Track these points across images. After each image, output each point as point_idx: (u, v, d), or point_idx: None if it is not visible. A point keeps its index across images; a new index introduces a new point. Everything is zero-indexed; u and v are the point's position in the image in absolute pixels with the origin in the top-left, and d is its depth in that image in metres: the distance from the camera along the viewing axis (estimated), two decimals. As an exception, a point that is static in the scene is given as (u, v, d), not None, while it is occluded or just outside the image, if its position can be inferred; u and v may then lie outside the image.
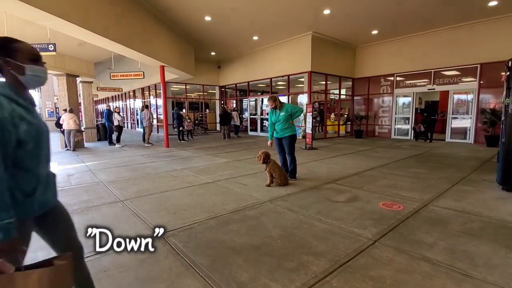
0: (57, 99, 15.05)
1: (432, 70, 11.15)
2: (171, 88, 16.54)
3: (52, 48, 6.26)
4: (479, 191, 4.26)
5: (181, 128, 12.33)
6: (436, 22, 10.01)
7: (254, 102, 17.17)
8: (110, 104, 22.95)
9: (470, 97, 10.45)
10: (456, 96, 10.87)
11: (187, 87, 16.24)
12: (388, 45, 12.22)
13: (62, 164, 7.04)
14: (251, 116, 16.38)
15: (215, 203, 3.82)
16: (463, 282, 2.00)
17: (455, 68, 10.61)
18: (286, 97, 13.79)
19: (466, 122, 10.63)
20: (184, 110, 15.99)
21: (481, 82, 10.03)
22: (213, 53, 14.89)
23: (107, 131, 11.42)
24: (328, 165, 6.45)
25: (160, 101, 15.74)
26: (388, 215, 3.29)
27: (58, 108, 13.15)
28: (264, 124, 15.42)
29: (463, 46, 10.18)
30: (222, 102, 17.72)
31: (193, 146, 10.53)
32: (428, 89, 11.44)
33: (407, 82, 12.10)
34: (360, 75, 13.48)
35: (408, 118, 12.22)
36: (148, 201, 3.97)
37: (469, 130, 10.47)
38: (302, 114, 5.14)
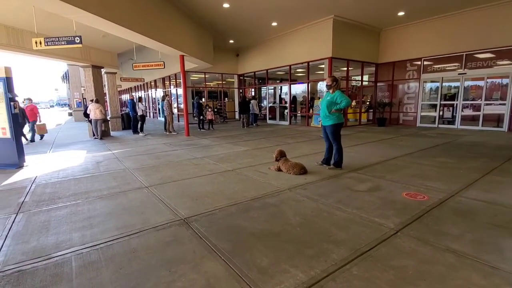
0: (84, 90, 15.74)
1: (464, 53, 10.42)
2: (191, 78, 16.72)
3: (78, 41, 6.47)
4: (512, 182, 4.03)
5: (201, 117, 12.52)
6: (468, 1, 9.26)
7: (273, 90, 16.98)
8: (133, 94, 23.64)
9: (505, 81, 9.72)
10: (489, 81, 10.15)
11: (206, 76, 16.35)
12: (416, 27, 11.51)
13: (91, 152, 7.43)
14: (269, 105, 16.26)
15: (235, 191, 3.90)
16: (490, 275, 1.93)
17: (489, 50, 9.84)
18: (306, 84, 13.52)
19: (500, 108, 9.92)
20: (203, 99, 16.16)
21: (519, 65, 9.27)
22: (231, 41, 14.79)
23: (131, 121, 11.84)
24: (349, 154, 6.32)
25: (180, 91, 15.99)
26: (411, 205, 3.21)
27: (85, 98, 13.74)
28: (283, 112, 15.26)
29: (498, 26, 9.38)
30: (241, 90, 17.70)
31: (213, 134, 10.69)
32: (459, 74, 10.74)
33: (435, 66, 11.41)
34: (384, 60, 12.88)
35: (435, 105, 11.62)
36: (171, 188, 4.12)
37: (504, 117, 9.77)
38: (348, 106, 5.00)
